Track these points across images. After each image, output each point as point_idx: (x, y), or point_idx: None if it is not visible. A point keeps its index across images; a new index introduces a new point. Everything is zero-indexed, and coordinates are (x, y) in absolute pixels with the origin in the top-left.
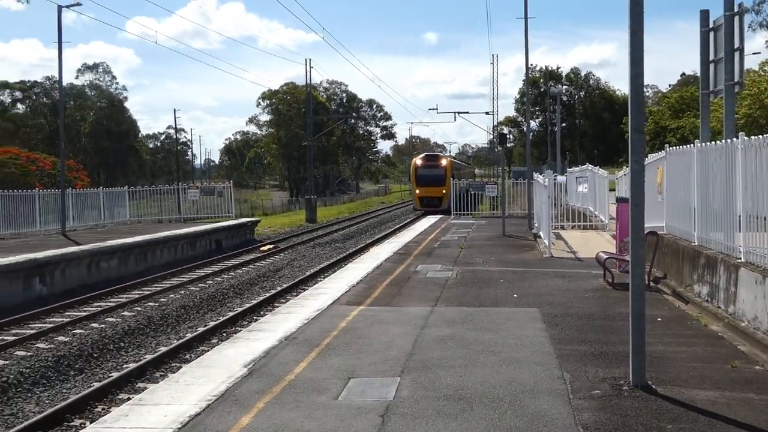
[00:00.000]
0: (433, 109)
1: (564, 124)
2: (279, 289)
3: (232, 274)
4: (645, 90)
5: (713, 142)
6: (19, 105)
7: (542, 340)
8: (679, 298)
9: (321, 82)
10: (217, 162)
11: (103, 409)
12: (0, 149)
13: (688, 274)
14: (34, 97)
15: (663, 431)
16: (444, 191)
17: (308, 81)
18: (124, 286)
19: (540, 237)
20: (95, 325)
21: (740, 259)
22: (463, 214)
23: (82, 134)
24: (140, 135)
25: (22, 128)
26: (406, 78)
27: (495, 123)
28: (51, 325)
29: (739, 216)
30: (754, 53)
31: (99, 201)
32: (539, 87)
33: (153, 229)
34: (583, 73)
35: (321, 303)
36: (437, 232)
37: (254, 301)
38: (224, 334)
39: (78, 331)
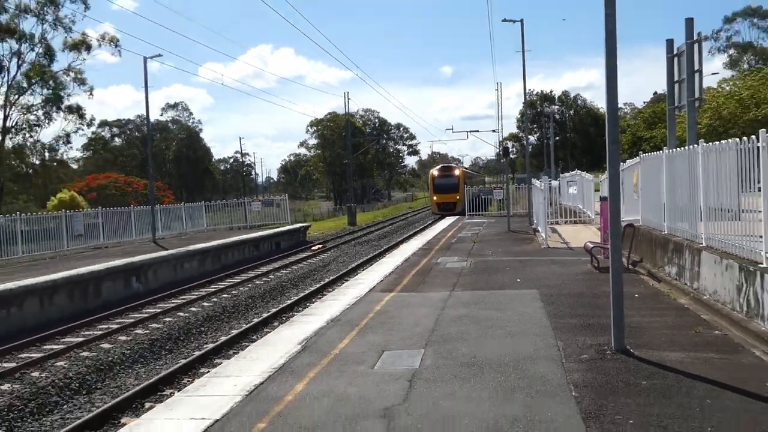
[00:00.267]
0: (449, 129)
1: (557, 138)
2: (326, 281)
3: (289, 269)
4: (624, 107)
5: (679, 149)
6: (116, 139)
7: (540, 316)
8: (653, 278)
9: (357, 110)
10: (275, 179)
11: (187, 380)
12: (103, 175)
13: (660, 258)
14: (128, 132)
15: (638, 386)
16: (458, 197)
17: (347, 110)
18: (203, 282)
19: (538, 231)
20: (181, 314)
21: (702, 244)
22: (476, 215)
23: (167, 161)
24: (213, 160)
25: (120, 157)
26: (427, 104)
27: (500, 139)
28: (146, 315)
29: (701, 208)
30: (713, 73)
31: (181, 214)
32: (536, 108)
33: (225, 235)
34: (572, 95)
35: (360, 291)
36: (454, 230)
37: (307, 291)
38: (283, 318)
39: (167, 319)
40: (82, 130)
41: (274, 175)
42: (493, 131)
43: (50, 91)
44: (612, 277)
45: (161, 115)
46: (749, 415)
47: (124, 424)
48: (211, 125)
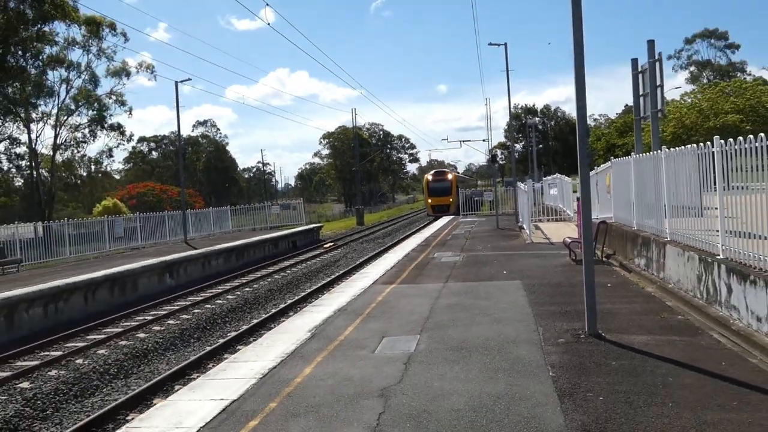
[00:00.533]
0: (444, 139)
1: (540, 146)
2: (336, 275)
3: (304, 265)
4: (599, 117)
5: (645, 154)
6: (153, 152)
7: (523, 304)
8: (624, 269)
9: (364, 124)
10: (293, 185)
11: (212, 365)
12: (141, 184)
13: (630, 251)
14: (164, 146)
15: (608, 366)
16: (451, 200)
17: (354, 124)
18: (228, 278)
19: (523, 228)
20: (208, 306)
21: (667, 238)
22: (469, 214)
23: (198, 170)
24: (238, 169)
25: (156, 168)
26: (425, 117)
27: (489, 147)
28: (177, 307)
29: (665, 206)
30: (676, 88)
31: (210, 217)
32: (521, 119)
33: (248, 235)
34: (553, 108)
35: (364, 283)
36: (449, 228)
37: (318, 284)
38: (298, 309)
39: (196, 310)
40: (123, 145)
41: (292, 182)
42: (483, 141)
43: (95, 112)
44: (585, 268)
45: (192, 131)
46: (705, 391)
47: (154, 404)
48: (236, 139)
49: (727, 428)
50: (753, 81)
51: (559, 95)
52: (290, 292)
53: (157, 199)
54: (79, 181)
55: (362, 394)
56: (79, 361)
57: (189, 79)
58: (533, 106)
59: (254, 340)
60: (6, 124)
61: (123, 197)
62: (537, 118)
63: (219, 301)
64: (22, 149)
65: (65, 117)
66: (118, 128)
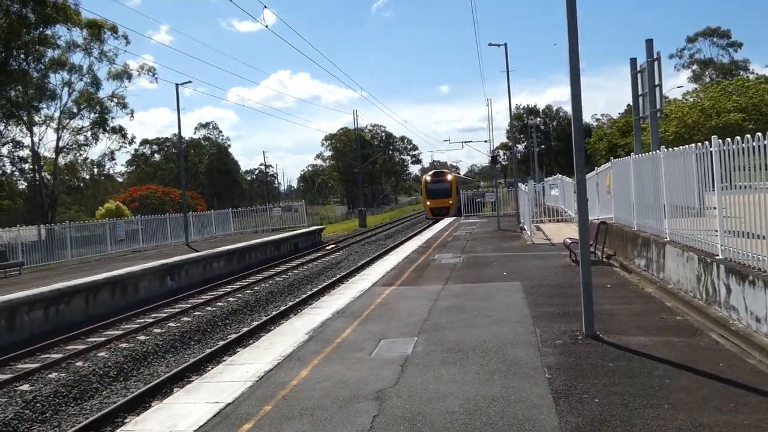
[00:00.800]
0: (446, 140)
1: (543, 146)
2: (337, 277)
3: (306, 267)
4: (601, 117)
5: (644, 154)
6: (156, 155)
7: (522, 305)
8: (625, 269)
9: (366, 125)
10: (296, 187)
11: (211, 368)
12: (144, 186)
13: (631, 251)
14: (166, 148)
15: (605, 368)
16: (450, 202)
17: (356, 126)
18: (229, 280)
19: (524, 229)
20: (209, 308)
21: (666, 238)
22: (471, 216)
23: (200, 173)
24: (241, 171)
25: (159, 171)
26: (428, 119)
27: (491, 148)
28: (178, 310)
29: (664, 206)
30: (678, 87)
31: (212, 220)
32: (523, 120)
33: (250, 237)
34: (555, 108)
35: (364, 285)
36: (451, 230)
37: (319, 287)
38: (297, 311)
39: (197, 313)
40: (125, 147)
41: (295, 184)
42: (485, 141)
43: (97, 114)
44: (582, 268)
45: (195, 133)
46: (702, 393)
47: (152, 407)
48: (239, 141)
49: (723, 430)
50: (756, 79)
51: (561, 95)
52: (291, 294)
53: (159, 201)
54: (81, 184)
55: (357, 396)
56: (79, 363)
57: (190, 82)
58: (535, 106)
59: (252, 343)
60: (9, 128)
61: (125, 200)
62: (539, 119)
63: (220, 304)
64: (24, 152)
65: (67, 120)
66: (119, 131)
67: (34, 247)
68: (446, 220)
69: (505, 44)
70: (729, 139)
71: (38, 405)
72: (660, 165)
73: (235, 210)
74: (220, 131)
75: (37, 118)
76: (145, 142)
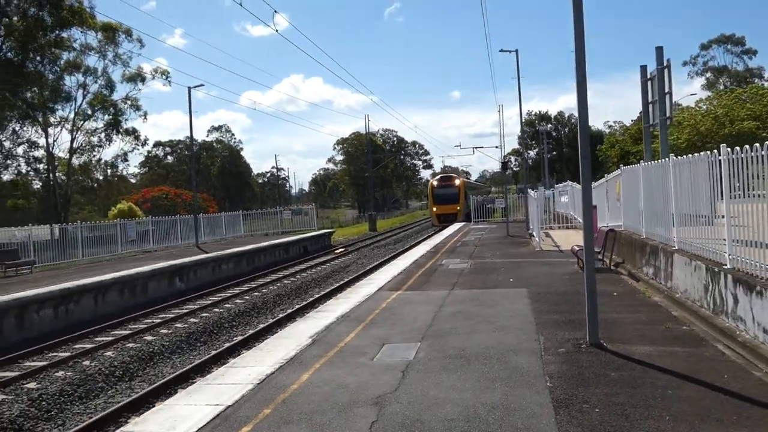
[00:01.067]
0: (457, 145)
1: (554, 152)
2: (344, 281)
3: (314, 270)
4: (614, 124)
5: (653, 162)
6: (169, 157)
7: (527, 312)
8: (632, 278)
9: (378, 130)
10: (307, 190)
11: (214, 369)
12: (156, 188)
13: (639, 259)
14: (178, 150)
15: (607, 377)
16: (458, 208)
17: (367, 130)
18: (238, 282)
19: (533, 236)
20: (216, 309)
21: (675, 247)
22: (481, 221)
23: (212, 175)
24: (253, 174)
25: (171, 173)
26: (439, 124)
27: (502, 154)
28: (186, 311)
29: (673, 215)
30: (691, 94)
31: (222, 222)
32: (534, 126)
33: (260, 240)
34: (566, 115)
35: (370, 290)
36: (460, 235)
37: (326, 290)
38: (304, 314)
39: (204, 314)
40: (138, 149)
41: (306, 187)
42: (496, 147)
43: (110, 116)
44: (586, 276)
45: (207, 136)
46: (704, 404)
47: (154, 407)
48: (251, 144)
49: None
50: None
51: (573, 102)
52: (298, 297)
53: (171, 203)
54: (95, 185)
55: (357, 402)
56: (86, 362)
57: (202, 85)
58: (546, 112)
59: (256, 345)
60: (24, 128)
61: (138, 201)
62: (550, 125)
63: (227, 305)
64: (39, 153)
65: (82, 121)
66: (133, 133)
67: (46, 246)
68: (455, 225)
69: (516, 51)
70: (738, 148)
71: (44, 403)
72: (669, 173)
73: (246, 212)
74: (233, 134)
75: (52, 120)
76: (158, 144)
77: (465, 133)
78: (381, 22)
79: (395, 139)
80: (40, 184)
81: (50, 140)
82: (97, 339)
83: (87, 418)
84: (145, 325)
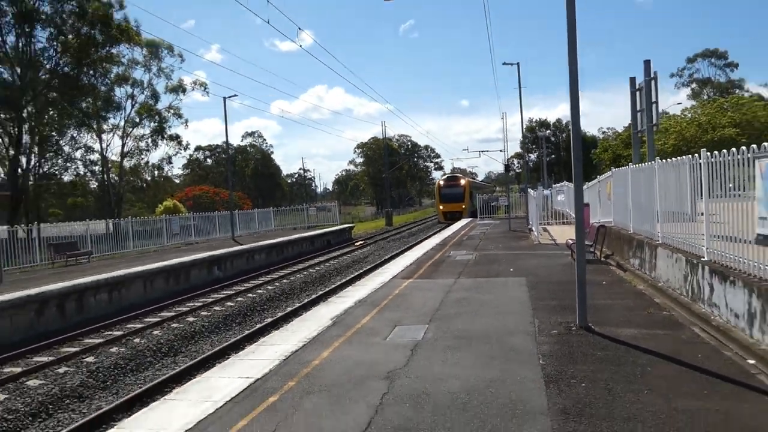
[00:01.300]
0: (465, 149)
1: (553, 156)
2: (362, 270)
3: (336, 260)
4: (607, 131)
5: (640, 164)
6: (208, 160)
7: (524, 299)
8: (620, 268)
9: (394, 135)
10: (331, 189)
11: (248, 347)
12: (197, 187)
13: (626, 252)
14: (216, 154)
15: (594, 356)
16: (463, 206)
17: (384, 136)
18: (268, 270)
19: (532, 231)
20: (250, 295)
21: (659, 241)
22: (486, 217)
23: (246, 176)
24: (282, 175)
25: (210, 174)
26: (449, 130)
27: (506, 157)
28: (223, 296)
29: (657, 212)
30: (677, 103)
31: (255, 217)
32: (535, 132)
33: (289, 233)
34: (564, 122)
35: (385, 278)
36: (467, 230)
37: (346, 278)
38: (326, 299)
39: (239, 299)
40: (181, 153)
41: (330, 187)
42: (500, 151)
43: (156, 124)
44: (577, 266)
45: (242, 141)
46: (680, 381)
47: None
48: (281, 148)
49: (695, 415)
50: (749, 97)
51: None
52: (322, 284)
53: (210, 200)
54: (144, 185)
55: (370, 376)
56: (137, 340)
57: (236, 96)
58: (546, 120)
59: (284, 326)
60: (81, 135)
61: (181, 199)
62: (548, 131)
63: (260, 291)
64: (95, 156)
65: (131, 128)
66: (176, 138)
67: (101, 239)
68: (463, 221)
69: (518, 63)
70: (716, 152)
71: (100, 374)
72: (654, 175)
73: (276, 209)
74: (264, 139)
75: (105, 127)
76: (198, 148)
77: (473, 138)
78: (396, 37)
79: (409, 143)
80: (96, 184)
81: (104, 145)
82: (145, 320)
83: (137, 387)
84: (188, 308)
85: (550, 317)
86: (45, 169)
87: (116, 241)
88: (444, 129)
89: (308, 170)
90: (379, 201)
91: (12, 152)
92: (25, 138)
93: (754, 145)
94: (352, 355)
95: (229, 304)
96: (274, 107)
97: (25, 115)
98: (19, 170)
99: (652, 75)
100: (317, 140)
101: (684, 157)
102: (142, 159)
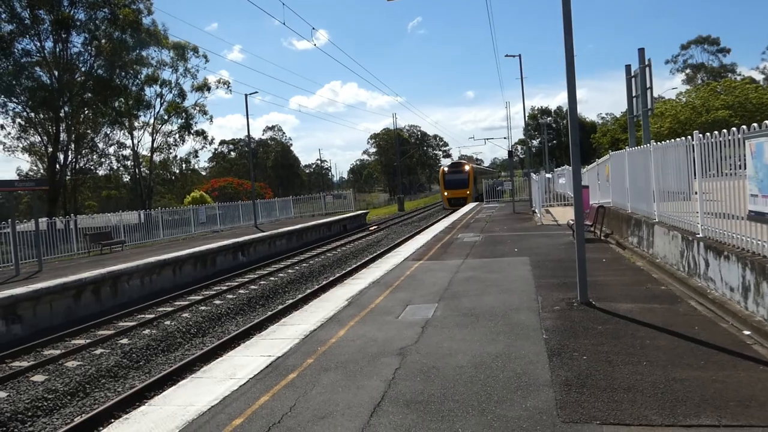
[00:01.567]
0: (471, 138)
1: (555, 141)
2: (376, 253)
3: (352, 245)
4: (606, 116)
5: (636, 147)
6: (232, 153)
7: (528, 277)
8: (620, 246)
9: (404, 126)
10: (346, 178)
11: (270, 327)
12: (222, 179)
13: (625, 231)
14: (239, 147)
15: (595, 330)
16: (468, 192)
17: (395, 126)
18: (289, 255)
19: (535, 212)
20: (272, 278)
21: (655, 219)
22: (492, 201)
23: (267, 167)
24: (301, 165)
25: (234, 166)
26: (456, 119)
27: (510, 144)
28: (247, 280)
29: (654, 192)
30: (673, 88)
31: (275, 206)
32: (537, 119)
33: (307, 220)
34: (564, 109)
35: (397, 260)
36: (473, 213)
37: (361, 261)
38: (342, 281)
39: (262, 282)
40: (206, 147)
41: (345, 175)
42: (504, 138)
43: (183, 120)
44: (577, 245)
45: (263, 134)
46: (677, 352)
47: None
48: (299, 140)
49: (692, 384)
50: (741, 80)
51: None
52: (338, 267)
53: (235, 191)
54: (172, 177)
55: (384, 352)
56: (167, 322)
57: (256, 92)
58: (547, 107)
59: (303, 307)
60: (114, 132)
61: (208, 190)
62: (549, 118)
63: (281, 275)
64: (127, 152)
65: (160, 125)
66: (202, 134)
67: (134, 228)
68: (470, 205)
69: (519, 55)
70: (708, 134)
71: (134, 355)
72: (650, 156)
73: (295, 198)
74: (284, 132)
75: (136, 124)
76: (223, 142)
77: (478, 126)
78: (405, 34)
79: (419, 133)
80: (129, 177)
81: (135, 141)
82: (175, 303)
83: (168, 366)
84: (214, 292)
85: (552, 294)
86: (81, 165)
87: (147, 230)
88: (451, 119)
89: (325, 160)
90: (392, 188)
91: (50, 149)
92: (63, 136)
93: (744, 126)
94: (366, 333)
95: (252, 287)
96: (292, 102)
97: (62, 114)
98: (57, 166)
99: (646, 62)
100: (333, 132)
101: (678, 139)
102: (171, 153)
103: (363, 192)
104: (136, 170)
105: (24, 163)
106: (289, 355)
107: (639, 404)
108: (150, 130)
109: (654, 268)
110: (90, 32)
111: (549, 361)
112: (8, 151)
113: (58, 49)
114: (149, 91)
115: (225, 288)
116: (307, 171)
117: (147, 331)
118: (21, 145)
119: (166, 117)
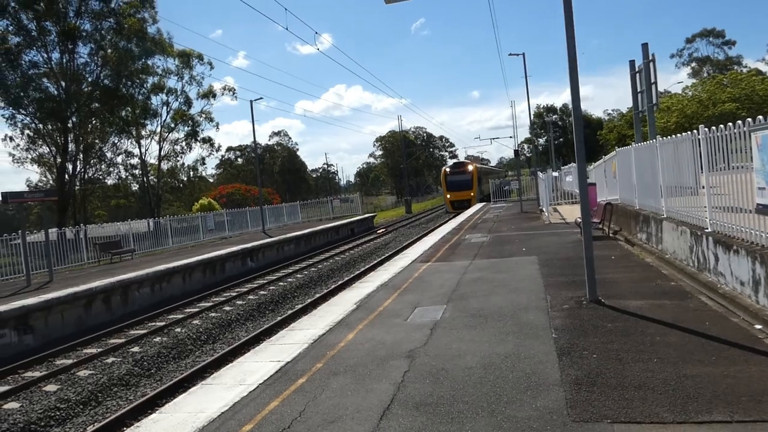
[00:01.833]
0: (477, 137)
1: (561, 139)
2: (384, 256)
3: (360, 248)
4: (612, 112)
5: (643, 143)
6: (239, 159)
7: (536, 276)
8: (628, 243)
9: (410, 128)
10: (353, 181)
11: (279, 332)
12: (230, 185)
13: (633, 227)
14: (247, 153)
15: (604, 328)
16: (472, 194)
17: (400, 129)
18: (297, 260)
19: (543, 211)
20: (281, 283)
21: (663, 215)
22: (499, 201)
23: (274, 173)
24: (307, 170)
25: (241, 172)
26: (461, 120)
27: (516, 143)
28: (256, 285)
29: (661, 187)
30: (678, 82)
31: (283, 211)
32: (543, 117)
33: (315, 224)
34: (571, 106)
35: (405, 262)
36: (481, 213)
37: (369, 264)
38: (350, 285)
39: (271, 287)
40: (213, 154)
41: (352, 179)
42: (510, 137)
43: (189, 128)
44: (585, 243)
45: (269, 140)
46: (688, 348)
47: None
48: (305, 145)
49: (704, 380)
50: (747, 72)
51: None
52: (347, 270)
53: (242, 197)
54: (180, 185)
55: (393, 355)
56: (178, 329)
57: (262, 98)
58: (553, 105)
59: (312, 311)
60: (122, 141)
61: (215, 196)
62: (555, 116)
63: (290, 280)
64: (135, 160)
65: (167, 133)
66: (208, 141)
67: (143, 237)
68: (477, 205)
69: (523, 54)
70: (714, 128)
71: (145, 363)
72: (656, 152)
73: (303, 202)
74: (290, 137)
75: (143, 133)
76: (229, 149)
77: (484, 126)
78: (408, 35)
79: (425, 134)
80: (137, 186)
81: (143, 150)
82: (185, 310)
83: (178, 374)
84: (224, 298)
85: (561, 292)
86: (90, 174)
87: (157, 238)
88: (457, 119)
89: (331, 164)
90: (399, 190)
91: (59, 160)
92: (71, 146)
93: (750, 119)
94: (375, 337)
95: (262, 293)
96: (297, 107)
97: (70, 125)
98: (66, 176)
99: (650, 57)
100: (339, 136)
101: (684, 133)
102: (178, 161)
103: (370, 195)
104: (145, 179)
105: (33, 174)
106: (299, 360)
107: (650, 402)
108: (157, 138)
109: (663, 264)
110: (96, 42)
111: (559, 361)
112: (18, 162)
113: (64, 60)
114: (155, 100)
115: (234, 294)
116: (314, 175)
117: (158, 339)
118: (30, 156)
119: (172, 125)
